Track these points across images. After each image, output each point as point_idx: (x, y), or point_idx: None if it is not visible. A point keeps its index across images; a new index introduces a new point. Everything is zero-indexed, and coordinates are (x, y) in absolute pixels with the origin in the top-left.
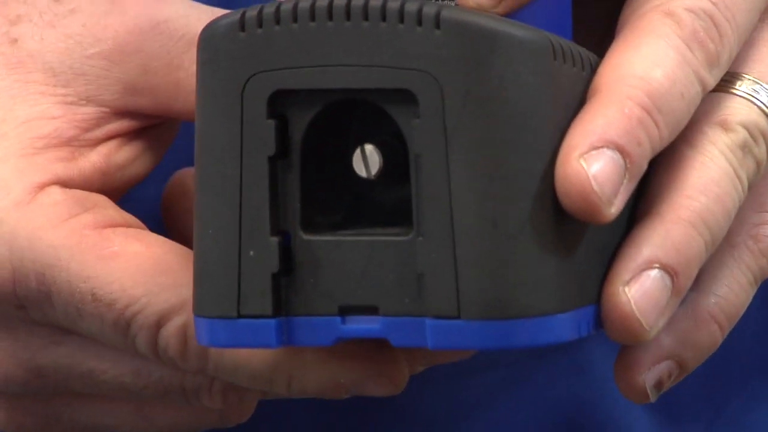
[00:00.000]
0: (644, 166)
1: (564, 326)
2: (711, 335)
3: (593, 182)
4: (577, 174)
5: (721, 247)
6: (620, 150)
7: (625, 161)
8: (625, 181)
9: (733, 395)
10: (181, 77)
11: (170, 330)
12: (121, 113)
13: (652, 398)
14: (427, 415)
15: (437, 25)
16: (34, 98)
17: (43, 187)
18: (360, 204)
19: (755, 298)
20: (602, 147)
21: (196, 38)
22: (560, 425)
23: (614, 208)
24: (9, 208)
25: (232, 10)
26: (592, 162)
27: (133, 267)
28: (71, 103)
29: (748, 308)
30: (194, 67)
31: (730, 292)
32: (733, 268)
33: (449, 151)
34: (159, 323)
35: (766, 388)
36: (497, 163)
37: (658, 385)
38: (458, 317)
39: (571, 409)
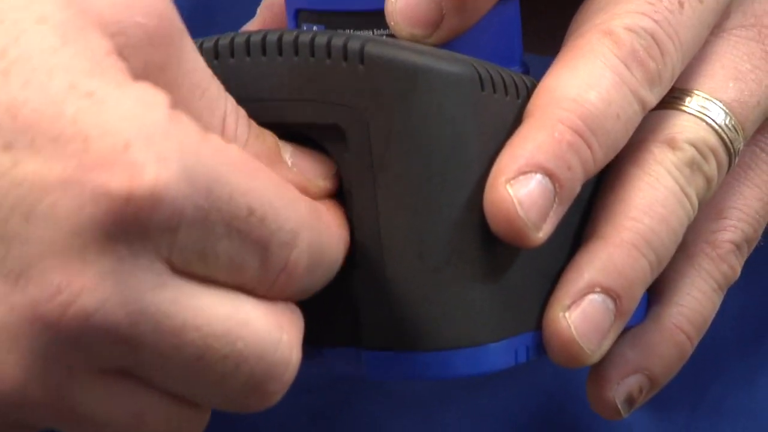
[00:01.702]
0: (576, 190)
1: (497, 355)
2: (678, 346)
3: (518, 207)
4: (502, 199)
5: (680, 258)
6: (549, 175)
7: (554, 186)
8: (554, 205)
9: (716, 379)
10: (169, 78)
11: (303, 246)
12: None
13: (624, 414)
14: (414, 400)
15: (361, 60)
16: (87, 30)
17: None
18: None
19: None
20: (530, 172)
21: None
22: (546, 409)
23: (542, 233)
24: (172, 119)
25: None
26: (518, 187)
27: (273, 181)
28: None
29: (728, 293)
30: (180, 70)
31: (694, 300)
32: (694, 277)
33: (377, 185)
34: (293, 241)
35: (748, 371)
36: (421, 195)
37: (629, 400)
38: (392, 349)
39: (556, 394)
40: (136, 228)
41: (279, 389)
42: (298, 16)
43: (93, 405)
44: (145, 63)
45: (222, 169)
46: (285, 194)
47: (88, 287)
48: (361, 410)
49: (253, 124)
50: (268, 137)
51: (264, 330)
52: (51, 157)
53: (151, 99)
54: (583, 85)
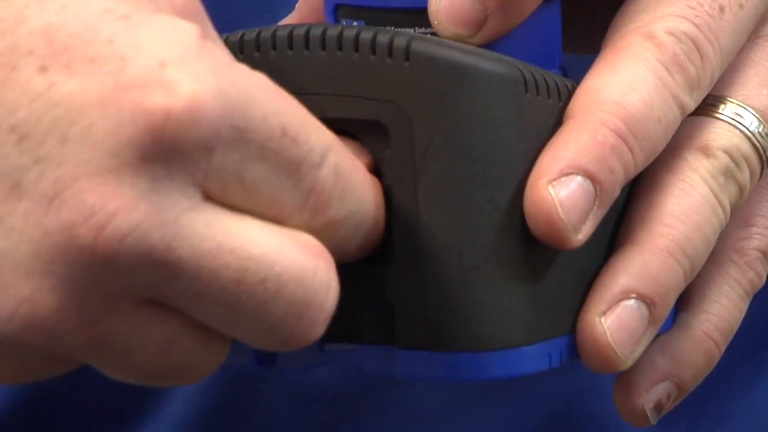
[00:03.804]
0: (616, 193)
1: (531, 358)
2: (707, 353)
3: (559, 209)
4: (543, 200)
5: (707, 266)
6: (590, 177)
7: (595, 188)
8: (594, 208)
9: (719, 384)
10: None
11: (329, 165)
12: None
13: (652, 420)
14: (418, 412)
15: (407, 57)
16: None
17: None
18: None
19: None
20: (571, 173)
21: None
22: (552, 422)
23: (581, 235)
24: (204, 45)
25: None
26: (559, 188)
27: (300, 107)
28: None
29: None
30: None
31: (722, 308)
32: (722, 284)
33: (417, 182)
34: (321, 161)
35: (752, 375)
36: (463, 194)
37: (658, 407)
38: (425, 348)
39: (560, 405)
40: (173, 147)
41: (321, 318)
42: (337, 11)
43: (125, 333)
44: None
45: (254, 90)
46: (312, 118)
47: (122, 209)
48: (368, 423)
49: None
50: None
51: (300, 256)
52: (87, 78)
53: (183, 25)
54: (626, 87)
